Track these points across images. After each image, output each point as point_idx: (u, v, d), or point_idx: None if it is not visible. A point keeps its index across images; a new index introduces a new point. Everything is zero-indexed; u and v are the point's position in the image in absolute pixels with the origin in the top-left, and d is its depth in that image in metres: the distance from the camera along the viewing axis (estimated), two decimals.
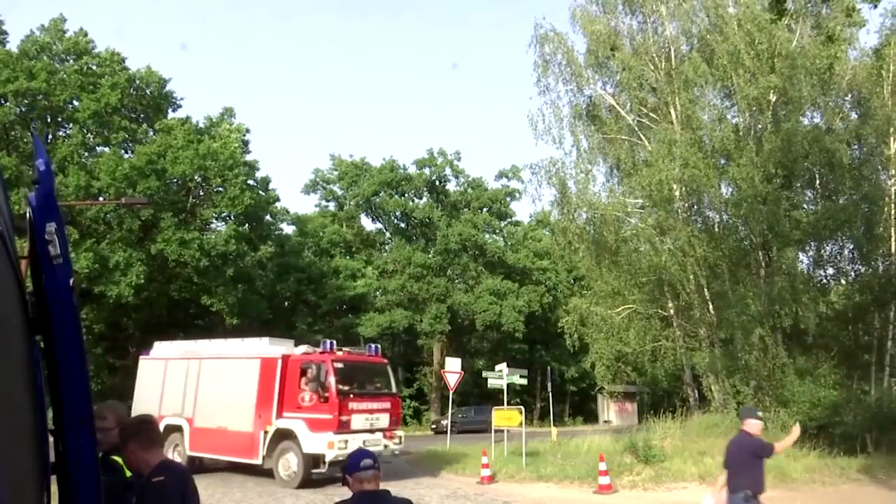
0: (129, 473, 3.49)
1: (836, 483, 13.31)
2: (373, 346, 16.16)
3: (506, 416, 17.36)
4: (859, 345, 19.57)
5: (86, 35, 29.37)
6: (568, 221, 21.25)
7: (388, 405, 14.84)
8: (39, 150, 2.03)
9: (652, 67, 20.17)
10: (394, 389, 15.72)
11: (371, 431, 14.08)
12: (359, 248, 44.17)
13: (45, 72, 26.78)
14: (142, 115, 31.35)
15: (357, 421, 13.81)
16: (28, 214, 1.90)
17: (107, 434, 3.75)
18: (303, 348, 15.04)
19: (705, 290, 19.22)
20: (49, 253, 1.75)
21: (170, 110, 32.33)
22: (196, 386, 15.49)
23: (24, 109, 27.73)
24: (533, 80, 21.24)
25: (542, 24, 21.32)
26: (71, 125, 28.42)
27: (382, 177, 41.15)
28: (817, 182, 19.57)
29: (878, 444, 15.08)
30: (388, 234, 44.55)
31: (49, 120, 29.20)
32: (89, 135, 29.04)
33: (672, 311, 20.50)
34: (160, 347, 17.47)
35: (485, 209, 42.87)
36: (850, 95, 20.64)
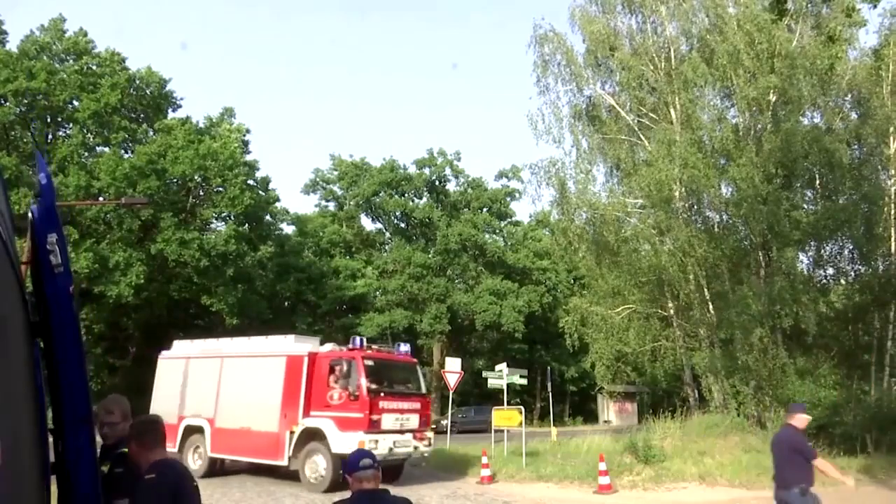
0: None
1: (835, 483, 13.29)
2: (401, 344, 15.62)
3: (506, 416, 17.36)
4: (859, 345, 19.57)
5: (86, 35, 29.38)
6: (568, 221, 21.24)
7: (418, 405, 14.29)
8: (41, 165, 2.18)
9: (651, 67, 20.16)
10: (423, 389, 15.17)
11: (401, 432, 13.56)
12: (359, 248, 44.17)
13: (45, 72, 26.79)
14: (142, 115, 31.37)
15: (387, 421, 13.28)
16: (29, 223, 2.00)
17: (113, 428, 3.83)
18: (329, 346, 14.56)
19: (705, 290, 19.21)
20: (51, 262, 1.86)
21: (170, 110, 32.36)
22: (218, 385, 14.95)
23: (24, 109, 27.73)
24: (532, 81, 21.27)
25: (542, 24, 21.35)
26: (71, 125, 28.43)
27: (382, 177, 41.14)
28: (817, 182, 19.57)
29: (878, 444, 15.09)
30: (388, 234, 44.56)
31: (49, 120, 29.20)
32: (89, 135, 29.05)
33: (672, 311, 20.49)
34: (180, 345, 16.96)
35: (485, 209, 42.86)
36: (849, 95, 20.64)
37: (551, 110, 20.94)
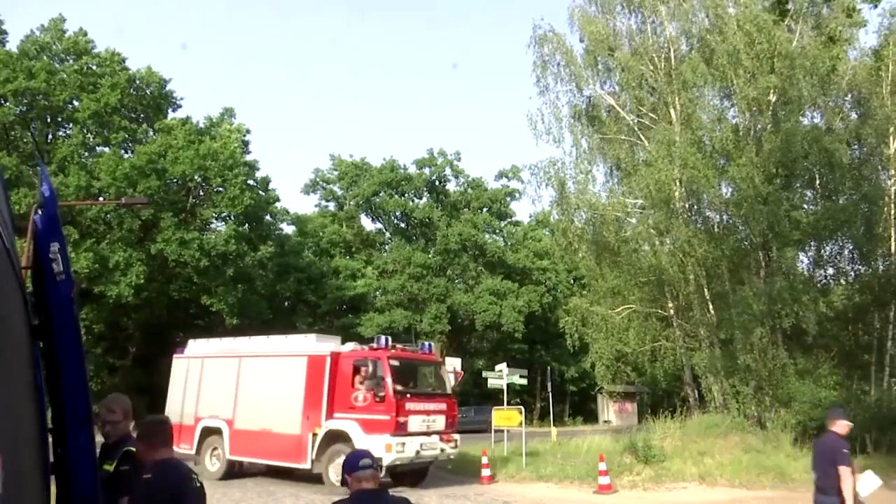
0: None
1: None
2: (426, 343, 15.15)
3: (506, 416, 17.37)
4: (859, 345, 19.59)
5: (86, 35, 29.39)
6: (568, 222, 21.23)
7: (444, 406, 13.88)
8: (44, 177, 2.31)
9: (651, 68, 20.16)
10: (448, 390, 14.69)
11: (427, 434, 13.14)
12: (359, 248, 44.17)
13: (45, 72, 26.80)
14: (142, 115, 31.38)
15: (414, 423, 12.86)
16: (31, 231, 2.13)
17: (115, 427, 3.88)
18: (351, 345, 14.16)
19: (705, 290, 19.21)
20: (53, 270, 1.95)
21: (170, 110, 32.37)
22: (236, 386, 14.56)
23: (24, 109, 27.75)
24: (532, 81, 21.26)
25: (541, 24, 21.33)
26: (71, 125, 28.44)
27: (382, 177, 41.15)
28: (817, 182, 19.58)
29: (878, 445, 15.09)
30: (388, 234, 44.56)
31: (49, 120, 29.21)
32: (89, 135, 29.07)
33: (672, 311, 20.49)
34: (195, 345, 16.55)
35: (485, 209, 42.87)
36: (849, 95, 20.65)
37: (551, 110, 20.95)
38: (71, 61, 28.95)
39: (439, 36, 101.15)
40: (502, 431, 18.30)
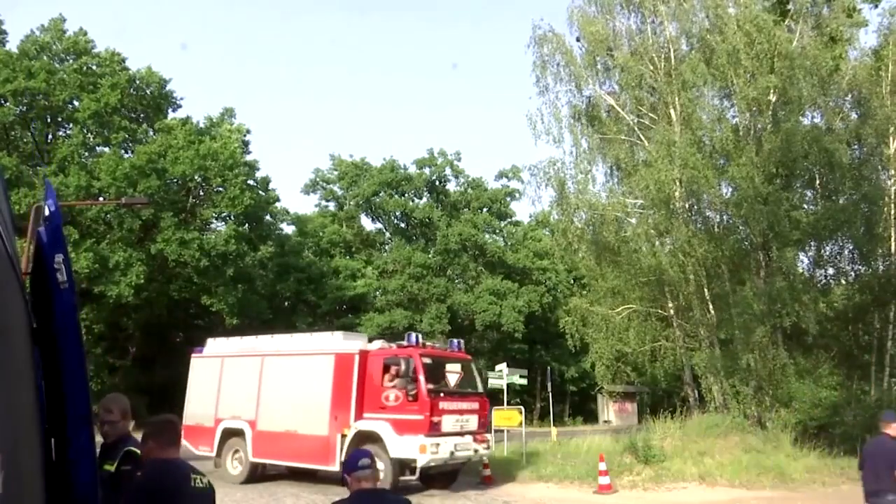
0: None
1: (836, 483, 13.32)
2: (455, 341, 14.65)
3: (506, 416, 17.36)
4: (859, 345, 19.61)
5: (86, 35, 29.37)
6: (567, 222, 21.24)
7: (476, 406, 13.49)
8: (49, 192, 2.49)
9: (651, 68, 20.16)
10: (480, 388, 14.32)
11: (461, 434, 12.78)
12: (359, 248, 44.16)
13: (45, 71, 26.78)
14: (142, 115, 31.36)
15: (447, 423, 12.46)
16: (36, 242, 2.30)
17: (114, 426, 3.88)
18: (378, 343, 13.75)
19: (705, 290, 19.22)
20: (57, 279, 2.09)
21: (170, 110, 32.34)
22: (258, 386, 14.10)
23: (24, 109, 27.73)
24: (532, 81, 21.27)
25: (541, 24, 21.35)
26: (71, 125, 28.42)
27: (382, 177, 41.14)
28: (817, 182, 19.59)
29: None
30: (388, 234, 44.54)
31: (49, 120, 29.20)
32: (89, 135, 29.04)
33: (672, 311, 20.50)
34: (214, 344, 16.07)
35: (485, 209, 42.85)
36: (850, 95, 20.65)
37: (550, 110, 20.97)
38: (71, 61, 28.93)
39: (439, 36, 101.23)
40: (502, 431, 18.29)
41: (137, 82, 30.44)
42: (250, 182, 32.17)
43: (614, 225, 20.50)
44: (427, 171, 42.08)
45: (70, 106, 28.48)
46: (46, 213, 2.35)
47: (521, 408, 17.73)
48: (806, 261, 20.46)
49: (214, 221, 32.54)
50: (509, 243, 43.95)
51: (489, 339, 42.84)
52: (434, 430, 12.06)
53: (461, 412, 12.92)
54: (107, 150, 28.47)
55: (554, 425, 27.28)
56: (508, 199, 43.50)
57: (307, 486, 13.49)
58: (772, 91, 18.12)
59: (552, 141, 20.92)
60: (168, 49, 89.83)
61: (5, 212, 1.79)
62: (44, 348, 2.06)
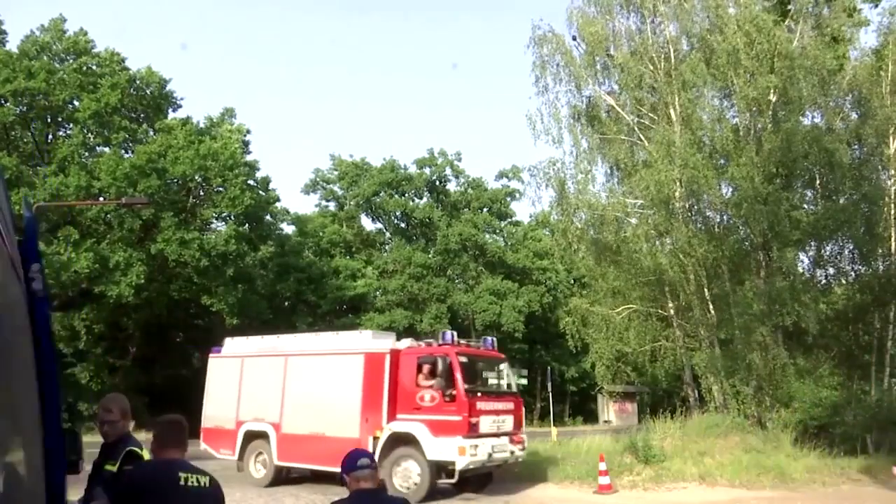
0: None
1: (836, 483, 13.33)
2: (488, 339, 14.18)
3: None
4: (859, 345, 19.60)
5: (86, 35, 29.38)
6: (567, 222, 21.23)
7: (511, 406, 13.12)
8: (27, 204, 2.67)
9: (651, 68, 20.15)
10: (514, 388, 13.92)
11: (497, 435, 12.40)
12: (359, 248, 44.17)
13: (45, 71, 26.80)
14: (142, 115, 31.38)
15: (485, 424, 12.06)
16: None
17: (113, 426, 3.88)
18: (406, 341, 13.30)
19: (705, 290, 19.21)
20: (34, 288, 2.15)
21: (170, 110, 32.37)
22: (282, 386, 13.63)
23: (24, 109, 27.75)
24: (531, 81, 21.24)
25: (540, 25, 21.31)
26: (71, 125, 28.44)
27: (383, 177, 41.14)
28: (817, 182, 19.58)
29: (879, 445, 15.09)
30: (388, 234, 44.56)
31: (49, 120, 29.22)
32: (89, 135, 29.06)
33: (672, 311, 20.49)
34: (232, 344, 15.48)
35: (485, 209, 42.87)
36: (850, 95, 20.63)
37: (550, 111, 20.92)
38: (71, 61, 28.95)
39: (439, 36, 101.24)
40: None
41: (137, 82, 30.46)
42: (250, 182, 32.19)
43: (614, 225, 20.49)
44: (427, 171, 42.10)
45: (70, 106, 28.49)
46: (24, 224, 2.42)
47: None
48: (806, 261, 20.47)
49: (214, 221, 32.57)
50: (509, 243, 43.97)
51: None
52: (472, 431, 11.70)
53: (497, 412, 12.56)
54: (107, 150, 28.48)
55: (554, 425, 27.31)
56: (508, 199, 43.53)
57: (307, 487, 13.48)
58: (772, 91, 18.12)
59: (552, 141, 20.91)
60: (168, 49, 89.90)
61: (5, 212, 1.79)
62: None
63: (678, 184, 18.67)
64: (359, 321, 37.32)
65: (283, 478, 13.63)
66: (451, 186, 43.40)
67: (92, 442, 4.45)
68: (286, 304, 39.68)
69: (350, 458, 3.33)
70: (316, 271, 38.82)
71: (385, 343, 12.96)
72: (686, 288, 19.16)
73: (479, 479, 12.89)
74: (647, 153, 19.66)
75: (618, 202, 20.54)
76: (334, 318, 40.11)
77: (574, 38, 21.18)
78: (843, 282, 20.28)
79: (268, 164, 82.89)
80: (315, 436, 12.72)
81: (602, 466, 13.23)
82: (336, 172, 43.50)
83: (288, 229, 41.86)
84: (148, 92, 31.05)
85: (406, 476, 11.89)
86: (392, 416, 12.20)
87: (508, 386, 13.65)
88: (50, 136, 29.67)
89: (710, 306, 19.14)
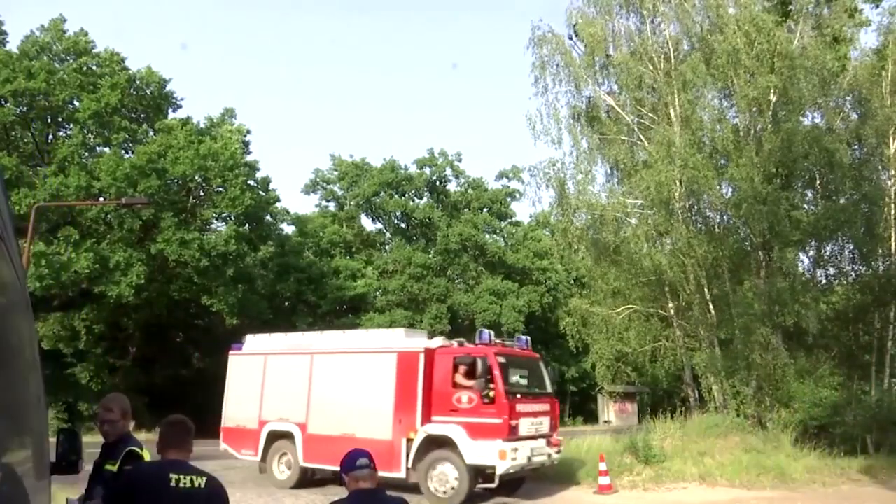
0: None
1: (836, 483, 13.33)
2: (522, 338, 13.79)
3: None
4: (860, 345, 19.60)
5: (86, 35, 29.38)
6: (567, 222, 21.24)
7: (547, 407, 12.84)
8: None
9: (651, 68, 20.16)
10: (549, 389, 13.48)
11: (535, 438, 12.07)
12: (359, 248, 44.16)
13: (45, 72, 26.79)
14: (142, 116, 31.37)
15: (524, 426, 11.72)
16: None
17: (114, 425, 3.90)
18: (438, 340, 12.92)
19: (705, 290, 19.21)
20: None
21: (170, 110, 32.36)
22: (308, 386, 13.25)
23: (24, 109, 27.74)
24: (531, 82, 21.25)
25: (540, 25, 21.32)
26: (71, 125, 28.43)
27: (383, 177, 41.14)
28: (817, 182, 19.58)
29: (879, 445, 15.09)
30: (388, 235, 44.55)
31: (49, 120, 29.21)
32: (89, 135, 29.05)
33: (672, 312, 20.50)
34: (254, 341, 15.01)
35: (485, 209, 42.86)
36: (850, 95, 20.64)
37: (550, 111, 20.94)
38: (71, 61, 28.94)
39: (439, 36, 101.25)
40: None
41: (137, 82, 30.45)
42: (251, 182, 32.18)
43: (614, 225, 20.49)
44: (427, 171, 42.09)
45: (70, 106, 28.49)
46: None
47: None
48: (806, 261, 20.48)
49: (215, 221, 32.57)
50: (509, 243, 43.96)
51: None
52: (512, 434, 11.32)
53: (535, 414, 12.23)
54: (107, 150, 28.48)
55: None
56: (509, 199, 43.52)
57: (307, 487, 13.45)
58: (772, 91, 18.12)
59: (551, 142, 20.91)
60: (168, 49, 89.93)
61: (5, 212, 1.78)
62: None
63: (678, 184, 18.67)
64: (359, 321, 37.31)
65: (308, 479, 13.28)
66: (452, 186, 43.43)
67: (92, 442, 4.46)
68: (286, 304, 39.67)
69: (349, 459, 3.35)
70: (316, 271, 38.81)
71: (419, 342, 12.62)
72: (686, 288, 19.16)
73: (511, 482, 12.52)
74: (647, 153, 19.66)
75: (618, 202, 20.54)
76: (334, 318, 40.11)
77: (570, 38, 21.20)
78: (844, 282, 20.28)
79: (268, 165, 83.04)
80: (344, 437, 12.15)
81: (602, 466, 13.23)
82: (336, 172, 43.49)
83: (288, 229, 41.88)
84: (148, 92, 31.05)
85: (443, 480, 11.55)
86: (427, 418, 11.82)
87: (544, 387, 13.25)
88: (50, 137, 29.67)
89: (710, 306, 19.14)
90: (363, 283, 39.37)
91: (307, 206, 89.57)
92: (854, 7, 13.10)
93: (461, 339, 12.89)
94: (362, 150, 79.70)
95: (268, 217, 36.20)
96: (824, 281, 20.38)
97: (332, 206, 44.96)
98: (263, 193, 33.95)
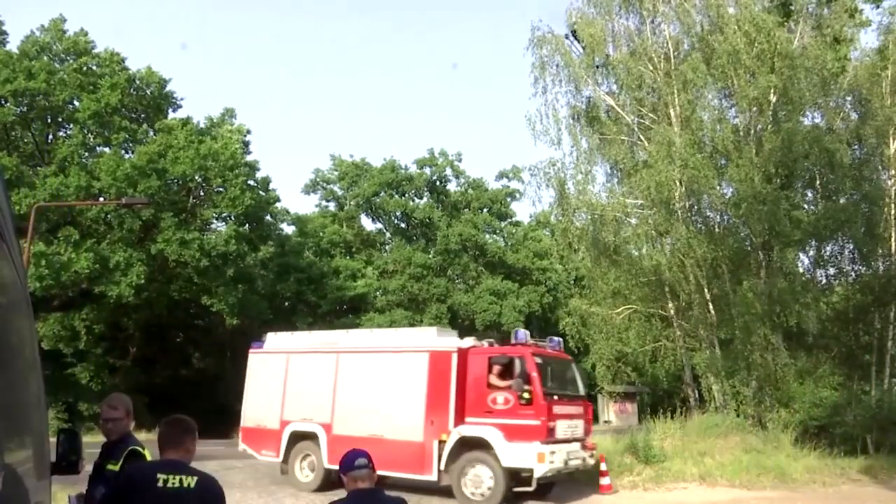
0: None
1: (836, 483, 13.33)
2: (554, 339, 13.50)
3: None
4: (860, 345, 19.59)
5: (86, 35, 29.40)
6: (568, 222, 21.24)
7: (582, 410, 12.59)
8: None
9: (651, 68, 20.16)
10: (582, 391, 13.18)
11: (569, 441, 11.75)
12: (359, 248, 44.18)
13: (45, 72, 26.81)
14: (142, 116, 31.39)
15: (560, 428, 11.43)
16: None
17: (117, 424, 3.95)
18: (469, 340, 12.50)
19: (705, 290, 19.21)
20: None
21: (170, 111, 32.38)
22: (333, 385, 12.84)
23: (24, 109, 27.76)
24: (530, 82, 21.24)
25: (540, 25, 21.31)
26: (71, 125, 28.45)
27: (383, 177, 41.17)
28: (817, 182, 19.58)
29: (879, 445, 15.09)
30: (388, 235, 44.57)
31: (49, 120, 29.23)
32: (89, 135, 29.07)
33: (672, 312, 20.49)
34: (275, 339, 14.58)
35: (485, 209, 42.90)
36: (850, 96, 20.64)
37: (549, 111, 20.93)
38: (71, 61, 28.95)
39: (439, 36, 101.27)
40: None
41: (137, 82, 30.48)
42: (251, 182, 32.21)
43: (614, 225, 20.49)
44: (427, 171, 42.12)
45: (70, 106, 28.50)
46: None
47: None
48: (806, 261, 20.48)
49: (215, 222, 32.60)
50: (509, 243, 43.99)
51: (490, 339, 42.80)
52: (550, 436, 11.05)
53: (571, 416, 11.97)
54: (107, 150, 28.50)
55: None
56: (509, 199, 43.56)
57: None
58: (772, 91, 18.12)
59: (551, 142, 20.91)
60: (168, 49, 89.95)
61: (6, 212, 1.78)
62: None
63: (678, 184, 18.67)
64: (359, 321, 37.32)
65: (332, 481, 12.56)
66: (452, 187, 43.47)
67: (92, 442, 4.46)
68: (286, 304, 39.69)
69: (348, 459, 3.35)
70: (316, 271, 38.83)
71: (451, 341, 12.28)
72: (686, 288, 19.16)
73: (541, 486, 12.12)
74: (647, 153, 19.66)
75: (618, 202, 20.54)
76: (334, 318, 40.12)
77: (567, 37, 21.19)
78: (844, 282, 20.28)
79: (268, 165, 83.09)
80: (373, 438, 11.65)
81: (602, 467, 13.21)
82: (336, 173, 43.52)
83: (288, 229, 41.93)
84: (148, 92, 31.07)
85: (477, 482, 11.25)
86: (460, 419, 11.47)
87: (577, 389, 12.99)
88: (50, 137, 29.68)
89: (710, 306, 19.14)
90: (363, 284, 39.39)
91: (307, 206, 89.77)
92: (854, 7, 13.12)
93: (491, 339, 12.72)
94: (362, 150, 79.86)
95: (268, 217, 36.23)
96: (824, 281, 20.39)
97: (332, 206, 45.00)
98: (263, 193, 33.97)
